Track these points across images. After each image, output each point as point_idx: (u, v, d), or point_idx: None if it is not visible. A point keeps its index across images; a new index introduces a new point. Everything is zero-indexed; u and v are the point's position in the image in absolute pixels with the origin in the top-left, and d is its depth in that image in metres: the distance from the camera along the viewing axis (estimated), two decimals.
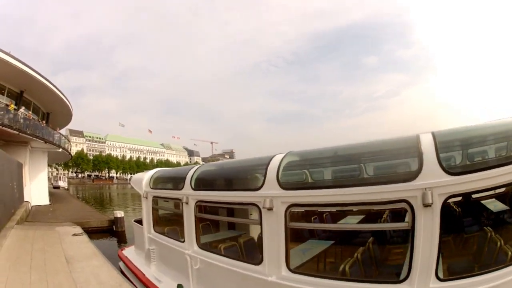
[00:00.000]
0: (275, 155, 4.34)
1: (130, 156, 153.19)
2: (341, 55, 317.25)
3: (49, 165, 44.34)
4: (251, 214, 5.88)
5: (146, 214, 7.05)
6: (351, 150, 4.37)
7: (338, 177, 4.76)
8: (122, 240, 15.03)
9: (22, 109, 20.53)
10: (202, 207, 5.38)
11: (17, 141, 20.06)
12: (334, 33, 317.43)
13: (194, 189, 5.43)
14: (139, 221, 7.82)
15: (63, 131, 34.75)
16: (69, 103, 29.40)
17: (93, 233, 15.01)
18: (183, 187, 5.66)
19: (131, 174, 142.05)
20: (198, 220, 5.32)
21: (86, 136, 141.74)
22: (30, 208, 19.84)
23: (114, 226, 16.47)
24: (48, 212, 19.41)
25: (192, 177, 5.57)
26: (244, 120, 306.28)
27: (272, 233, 3.85)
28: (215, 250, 5.10)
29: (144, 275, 6.53)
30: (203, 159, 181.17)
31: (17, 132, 18.43)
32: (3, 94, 20.57)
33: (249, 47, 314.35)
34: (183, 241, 5.55)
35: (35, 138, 21.02)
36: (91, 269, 7.22)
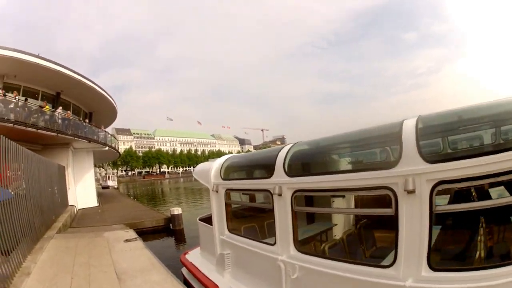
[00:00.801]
0: (403, 121, 3.43)
1: (181, 149, 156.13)
2: (382, 32, 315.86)
3: (96, 165, 45.51)
4: (333, 201, 5.27)
5: (217, 211, 6.08)
6: (485, 111, 3.51)
7: (489, 142, 4.16)
8: (180, 239, 14.53)
9: (60, 110, 19.78)
10: (298, 198, 4.38)
11: (57, 143, 19.41)
12: (372, 9, 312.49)
13: (289, 176, 4.38)
14: (205, 220, 7.09)
15: (109, 130, 34.78)
16: (112, 99, 28.97)
17: (147, 233, 14.54)
18: (272, 174, 4.65)
19: (183, 167, 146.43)
20: (295, 216, 4.33)
21: (134, 133, 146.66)
22: (76, 212, 19.49)
23: (171, 225, 15.66)
24: (96, 215, 18.87)
25: (285, 160, 4.53)
26: (292, 104, 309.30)
27: (414, 224, 2.99)
28: (317, 252, 4.30)
29: (217, 287, 5.61)
30: (255, 147, 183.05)
31: (55, 134, 17.64)
32: (37, 99, 20.00)
33: (292, 30, 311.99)
34: (274, 244, 4.57)
35: (76, 138, 20.27)
36: (151, 286, 5.96)
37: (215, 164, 6.39)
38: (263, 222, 5.51)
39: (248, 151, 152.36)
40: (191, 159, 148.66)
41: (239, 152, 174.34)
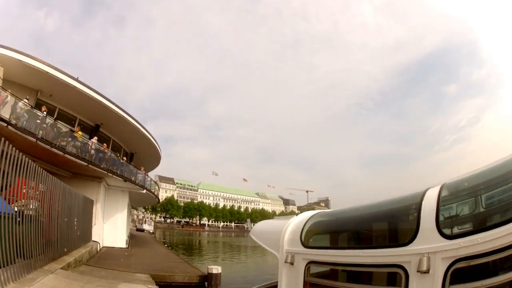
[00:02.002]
0: None
1: (224, 204, 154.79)
2: (424, 87, 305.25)
3: (134, 207, 44.86)
4: None
5: None
6: None
7: None
8: None
9: (94, 140, 19.20)
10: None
11: (88, 175, 18.51)
12: (414, 65, 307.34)
13: (448, 238, 2.59)
14: None
15: (152, 175, 34.34)
16: (156, 143, 28.74)
17: None
18: (412, 238, 2.81)
19: (224, 222, 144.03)
20: None
21: (177, 183, 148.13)
22: (98, 249, 18.02)
23: (206, 283, 13.67)
24: (121, 257, 17.13)
25: (438, 211, 2.74)
26: (337, 166, 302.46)
27: None
28: None
29: None
30: (299, 208, 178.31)
31: (86, 164, 16.73)
32: (73, 126, 19.52)
33: (338, 90, 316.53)
34: None
35: (110, 174, 19.31)
36: None
37: (292, 224, 4.64)
38: None
39: (292, 211, 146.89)
40: (233, 215, 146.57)
41: (282, 212, 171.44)
